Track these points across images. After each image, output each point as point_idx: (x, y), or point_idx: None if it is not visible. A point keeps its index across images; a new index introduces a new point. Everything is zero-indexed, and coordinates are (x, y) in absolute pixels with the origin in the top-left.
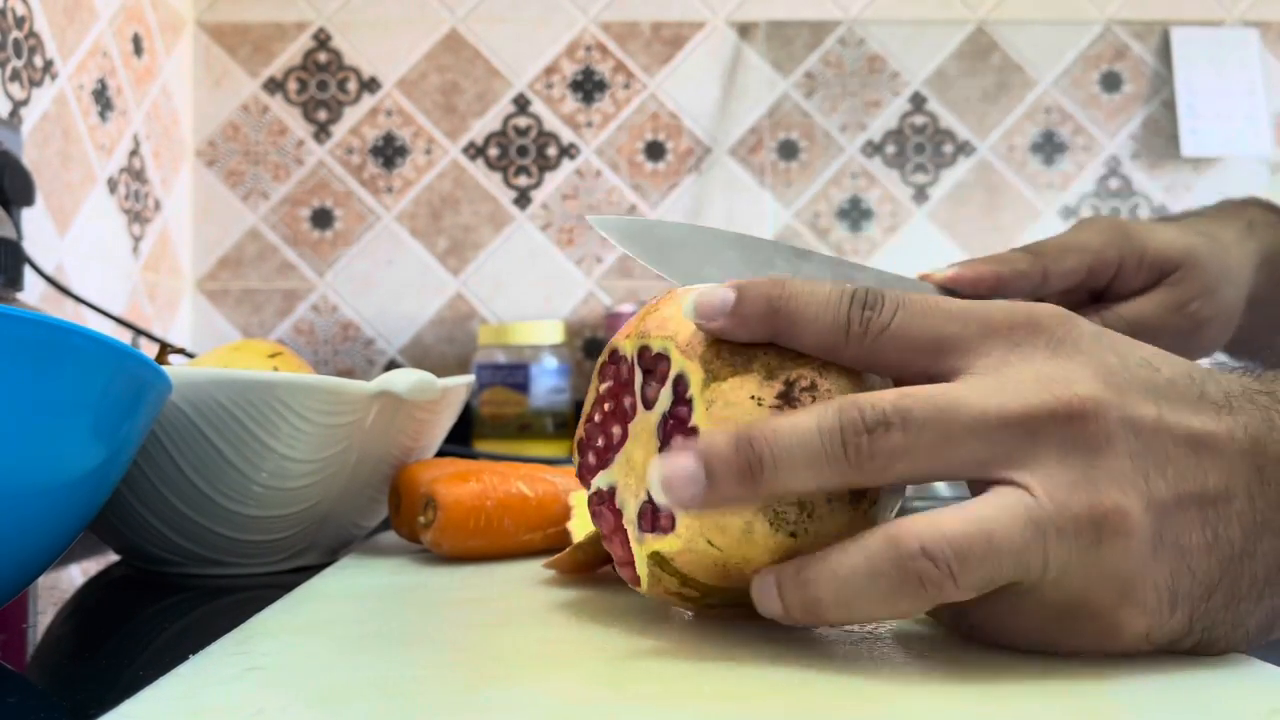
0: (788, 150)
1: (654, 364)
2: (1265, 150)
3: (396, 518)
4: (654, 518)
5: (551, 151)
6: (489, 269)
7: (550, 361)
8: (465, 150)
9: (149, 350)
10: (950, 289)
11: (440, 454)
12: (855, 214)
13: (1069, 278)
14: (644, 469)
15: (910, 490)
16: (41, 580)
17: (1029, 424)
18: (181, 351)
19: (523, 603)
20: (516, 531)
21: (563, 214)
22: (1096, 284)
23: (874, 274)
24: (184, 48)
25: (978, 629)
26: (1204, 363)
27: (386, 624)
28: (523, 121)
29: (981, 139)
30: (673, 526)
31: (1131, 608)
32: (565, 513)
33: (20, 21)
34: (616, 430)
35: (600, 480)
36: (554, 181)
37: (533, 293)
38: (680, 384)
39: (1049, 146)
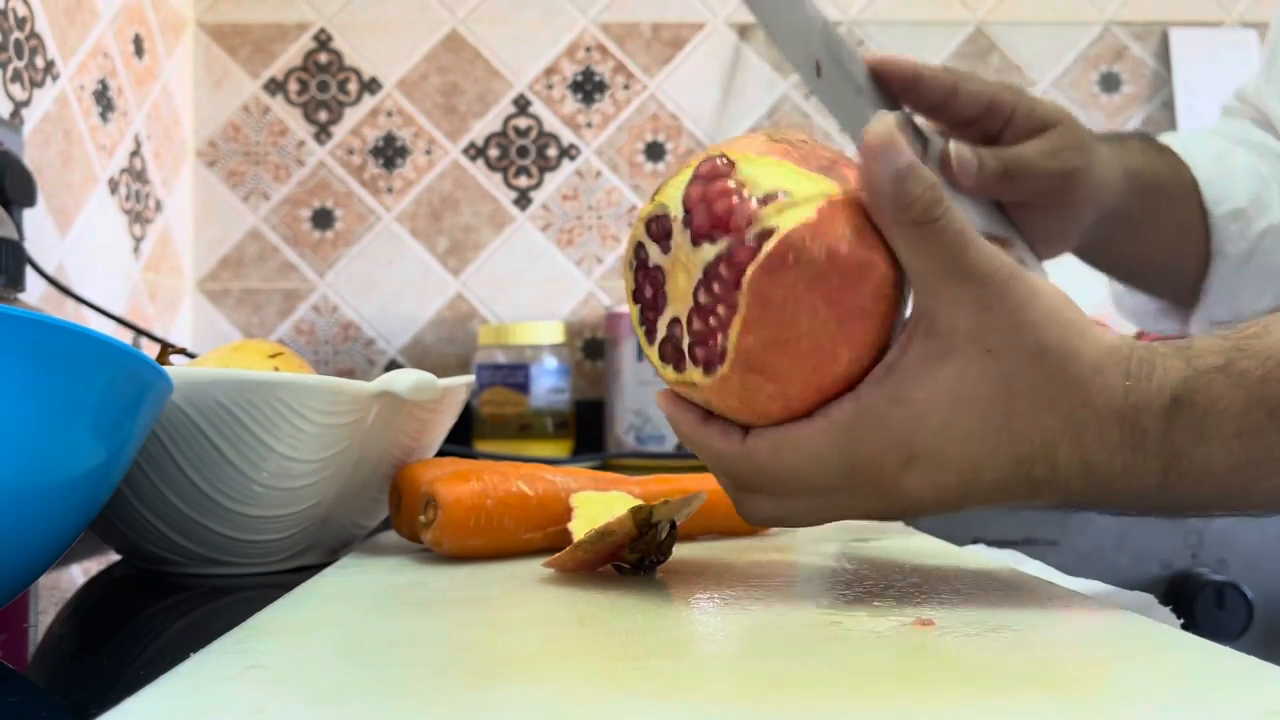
0: None
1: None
2: None
3: (397, 517)
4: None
5: (552, 152)
6: (489, 269)
7: (550, 362)
8: (465, 151)
9: (150, 350)
10: (878, 69)
11: (440, 454)
12: None
13: (972, 102)
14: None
15: None
16: (42, 580)
17: None
18: (182, 352)
19: (523, 602)
20: (517, 531)
21: (563, 214)
22: (991, 126)
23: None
24: (185, 48)
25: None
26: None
27: (386, 624)
28: (523, 122)
29: None
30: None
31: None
32: (565, 512)
33: (21, 22)
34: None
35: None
36: (554, 182)
37: (533, 293)
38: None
39: None
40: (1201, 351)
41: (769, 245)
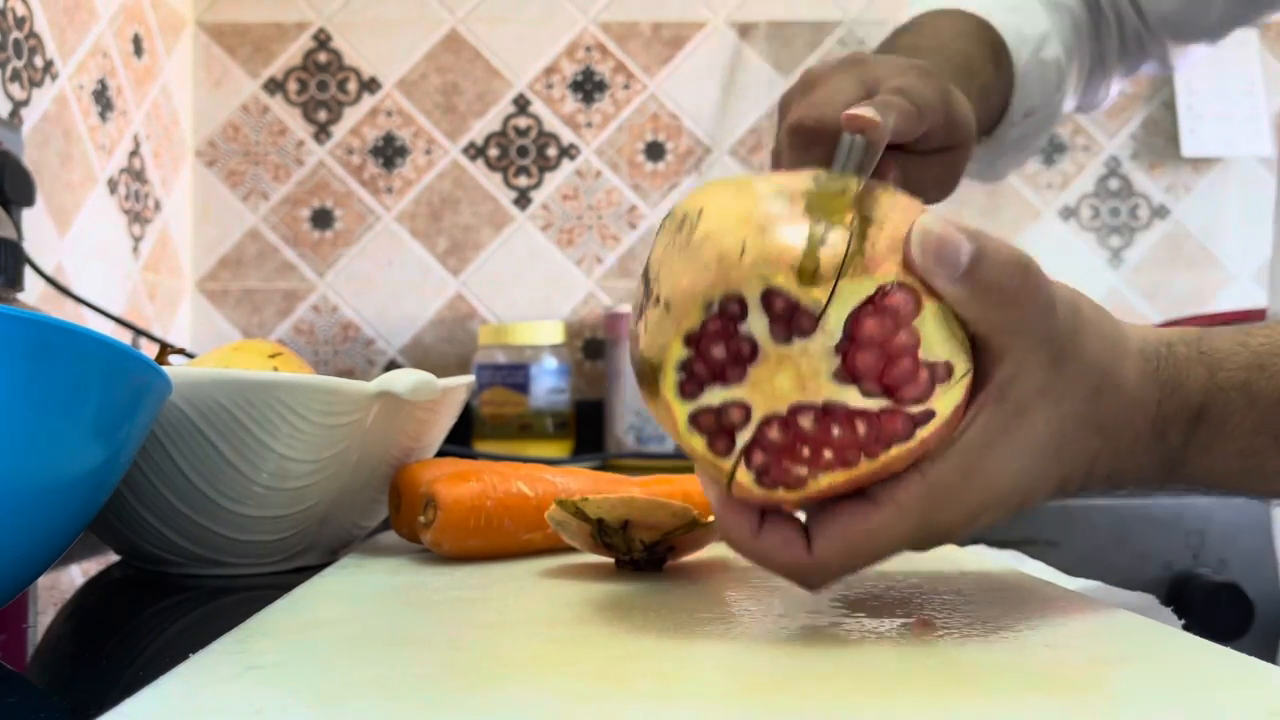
0: None
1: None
2: (1265, 150)
3: (397, 518)
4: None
5: (551, 152)
6: (489, 269)
7: (550, 362)
8: (465, 150)
9: (149, 351)
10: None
11: (440, 454)
12: None
13: (927, 118)
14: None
15: None
16: (41, 580)
17: None
18: (181, 352)
19: (523, 602)
20: (517, 531)
21: (563, 214)
22: (906, 139)
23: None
24: (184, 48)
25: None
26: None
27: (386, 624)
28: (523, 122)
29: None
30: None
31: None
32: None
33: (20, 22)
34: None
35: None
36: (554, 182)
37: (533, 293)
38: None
39: (1048, 146)
40: (1223, 362)
41: (924, 432)
